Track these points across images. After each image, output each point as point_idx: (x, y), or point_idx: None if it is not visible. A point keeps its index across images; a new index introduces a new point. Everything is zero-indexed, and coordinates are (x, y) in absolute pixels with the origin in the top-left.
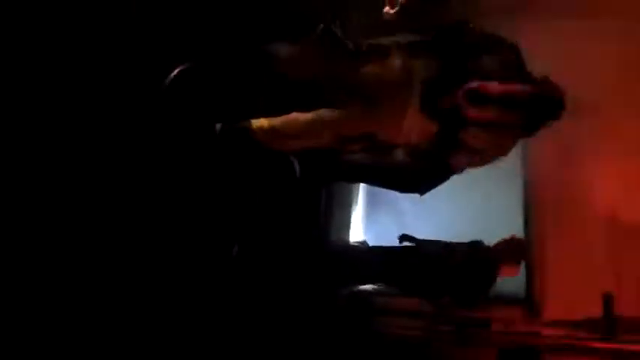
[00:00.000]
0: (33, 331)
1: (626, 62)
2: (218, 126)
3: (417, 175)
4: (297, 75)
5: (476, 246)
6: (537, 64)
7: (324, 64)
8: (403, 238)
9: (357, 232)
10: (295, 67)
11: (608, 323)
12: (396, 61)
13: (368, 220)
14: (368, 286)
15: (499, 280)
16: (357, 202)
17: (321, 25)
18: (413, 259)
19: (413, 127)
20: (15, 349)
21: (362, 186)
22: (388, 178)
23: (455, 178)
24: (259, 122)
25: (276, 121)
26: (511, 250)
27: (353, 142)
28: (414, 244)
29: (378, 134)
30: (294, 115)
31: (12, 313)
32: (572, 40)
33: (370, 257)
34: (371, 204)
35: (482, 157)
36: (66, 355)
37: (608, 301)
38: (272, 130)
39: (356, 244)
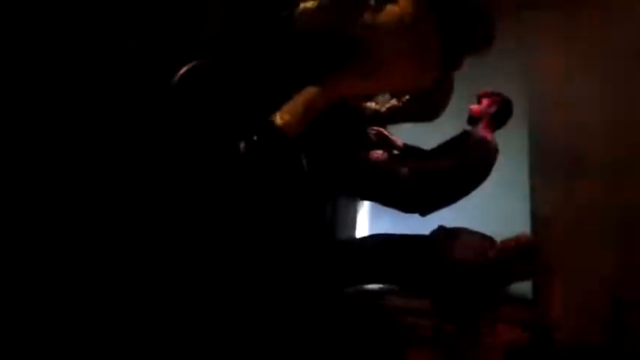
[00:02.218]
0: (33, 331)
1: None
2: (242, 145)
3: (420, 195)
4: (316, 26)
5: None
6: None
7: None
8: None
9: (362, 231)
10: (315, 19)
11: (617, 327)
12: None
13: (373, 219)
14: (375, 285)
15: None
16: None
17: None
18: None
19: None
20: (15, 349)
21: None
22: (391, 196)
23: None
24: (282, 118)
25: (296, 106)
26: (523, 255)
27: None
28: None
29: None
30: (308, 92)
31: (12, 313)
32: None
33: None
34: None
35: None
36: (66, 355)
37: (617, 305)
38: (297, 120)
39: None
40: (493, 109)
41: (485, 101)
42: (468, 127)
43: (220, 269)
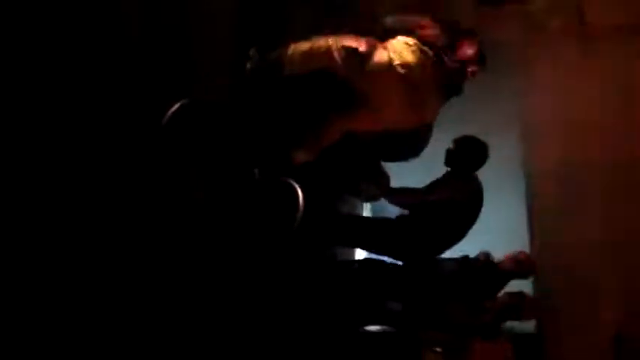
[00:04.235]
0: (33, 331)
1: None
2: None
3: (417, 244)
4: (306, 69)
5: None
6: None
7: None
8: None
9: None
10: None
11: None
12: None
13: None
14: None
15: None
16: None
17: None
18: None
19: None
20: (15, 349)
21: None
22: (389, 247)
23: None
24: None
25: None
26: (520, 268)
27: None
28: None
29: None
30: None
31: (12, 313)
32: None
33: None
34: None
35: None
36: (66, 355)
37: (618, 342)
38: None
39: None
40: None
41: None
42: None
43: (221, 288)
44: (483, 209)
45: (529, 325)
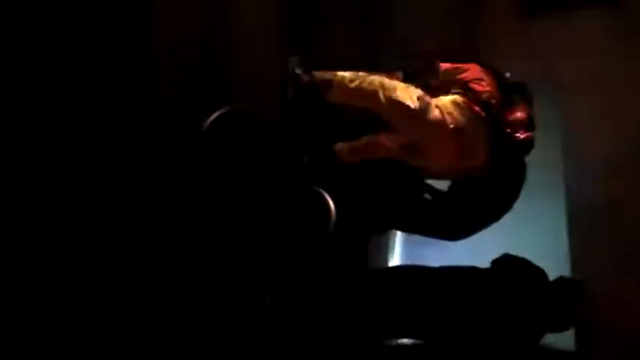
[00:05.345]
0: (33, 331)
1: None
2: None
3: (457, 221)
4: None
5: None
6: None
7: None
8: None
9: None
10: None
11: None
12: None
13: (407, 249)
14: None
15: None
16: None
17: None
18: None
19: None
20: (15, 349)
21: None
22: (427, 224)
23: None
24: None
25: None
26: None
27: None
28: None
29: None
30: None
31: (11, 313)
32: None
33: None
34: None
35: None
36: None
37: None
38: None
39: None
40: None
41: None
42: None
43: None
44: (521, 215)
45: (569, 341)
